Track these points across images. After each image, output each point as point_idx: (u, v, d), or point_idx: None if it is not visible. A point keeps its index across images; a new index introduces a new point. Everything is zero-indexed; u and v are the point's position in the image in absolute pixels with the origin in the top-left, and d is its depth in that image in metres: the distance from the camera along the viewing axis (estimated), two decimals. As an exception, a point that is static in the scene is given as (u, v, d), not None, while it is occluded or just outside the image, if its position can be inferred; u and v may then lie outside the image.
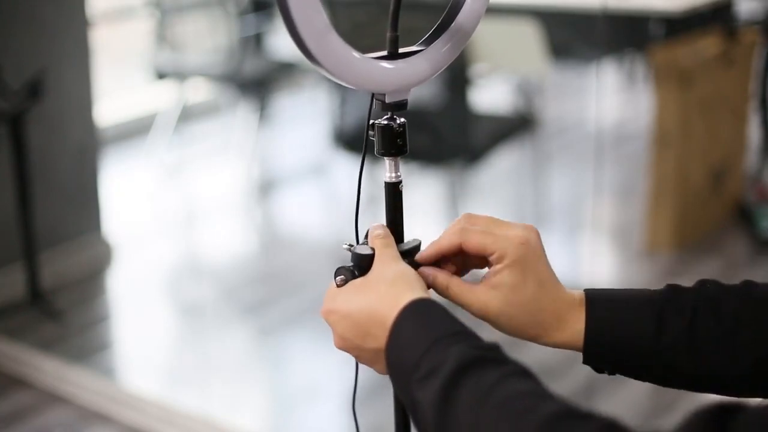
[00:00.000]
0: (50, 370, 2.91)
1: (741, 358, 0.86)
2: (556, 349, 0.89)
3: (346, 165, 4.11)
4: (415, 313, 0.79)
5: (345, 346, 0.86)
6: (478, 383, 0.72)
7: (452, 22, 0.88)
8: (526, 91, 4.15)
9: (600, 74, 4.85)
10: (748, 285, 0.88)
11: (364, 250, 0.87)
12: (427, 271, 0.88)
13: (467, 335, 0.77)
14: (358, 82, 0.82)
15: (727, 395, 0.88)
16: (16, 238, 3.16)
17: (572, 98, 5.28)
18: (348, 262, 0.88)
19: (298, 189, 4.48)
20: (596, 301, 0.87)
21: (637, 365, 0.88)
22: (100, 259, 3.59)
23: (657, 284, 0.89)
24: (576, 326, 0.87)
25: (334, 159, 4.34)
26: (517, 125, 3.81)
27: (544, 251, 0.87)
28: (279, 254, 3.78)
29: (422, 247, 0.90)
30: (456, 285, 0.87)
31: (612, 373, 0.89)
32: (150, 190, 4.46)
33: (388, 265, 0.85)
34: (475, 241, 0.86)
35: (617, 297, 0.88)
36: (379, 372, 0.84)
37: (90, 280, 3.51)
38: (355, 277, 0.86)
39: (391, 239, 0.88)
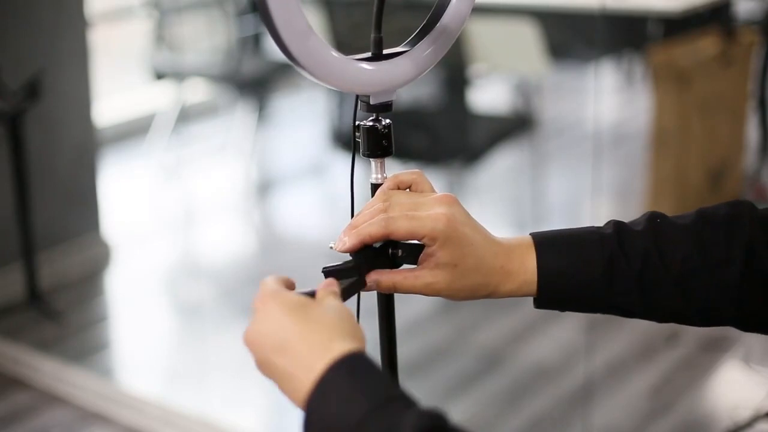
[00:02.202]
0: (49, 371, 2.91)
1: (692, 301, 0.87)
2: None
3: (345, 165, 4.10)
4: (350, 371, 0.73)
5: (254, 346, 0.78)
6: None
7: (437, 24, 0.88)
8: (525, 91, 4.15)
9: (598, 74, 4.86)
10: (699, 218, 0.89)
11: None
12: (371, 277, 0.87)
13: (408, 400, 0.72)
14: (340, 83, 0.82)
15: (685, 324, 0.91)
16: (15, 238, 3.17)
17: (570, 98, 5.27)
18: (332, 262, 0.88)
19: (296, 189, 4.48)
20: (544, 247, 0.88)
21: (590, 307, 0.89)
22: (98, 260, 3.59)
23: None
24: (523, 276, 0.88)
25: (332, 159, 4.34)
26: (516, 125, 3.81)
27: (468, 215, 0.88)
28: (277, 254, 3.79)
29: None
30: (401, 280, 0.87)
31: (563, 311, 0.91)
32: (148, 190, 4.46)
33: (330, 301, 0.79)
34: (403, 230, 0.85)
35: (565, 242, 0.88)
36: (289, 398, 0.77)
37: (88, 280, 3.51)
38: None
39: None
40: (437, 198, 0.87)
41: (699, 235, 0.87)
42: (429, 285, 0.87)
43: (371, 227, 0.85)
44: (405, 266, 0.89)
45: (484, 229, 0.88)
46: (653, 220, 0.89)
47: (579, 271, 0.87)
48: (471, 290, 0.87)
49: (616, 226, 0.89)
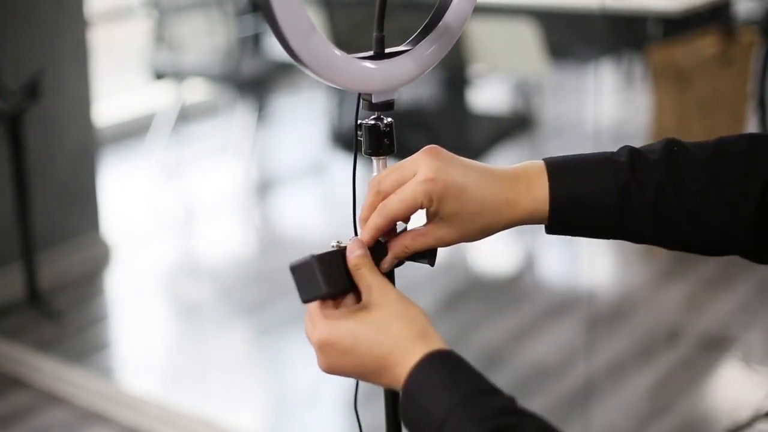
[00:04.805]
0: (49, 371, 2.91)
1: (704, 233, 0.87)
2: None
3: (344, 165, 4.10)
4: (437, 367, 0.77)
5: (335, 372, 0.83)
6: None
7: (439, 22, 0.88)
8: (525, 91, 4.15)
9: (598, 74, 4.85)
10: (717, 151, 0.88)
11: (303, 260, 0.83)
12: (386, 260, 0.87)
13: (494, 391, 0.76)
14: (342, 82, 0.82)
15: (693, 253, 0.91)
16: (15, 238, 3.17)
17: (570, 98, 5.27)
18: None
19: (296, 189, 4.49)
20: (557, 173, 0.87)
21: (600, 234, 0.89)
22: (98, 259, 3.59)
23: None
24: (532, 204, 0.86)
25: (332, 159, 4.34)
26: (516, 125, 3.81)
27: (453, 161, 0.86)
28: (277, 254, 3.78)
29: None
30: (410, 242, 0.87)
31: (574, 236, 0.90)
32: (148, 190, 4.46)
33: (392, 301, 0.82)
34: (400, 212, 0.85)
35: (578, 168, 0.87)
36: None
37: (88, 280, 3.51)
38: (326, 295, 0.82)
39: (371, 261, 0.85)
40: (418, 158, 0.85)
41: (716, 170, 0.87)
42: (440, 239, 0.86)
43: (373, 221, 0.85)
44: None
45: (479, 165, 0.87)
46: (670, 148, 0.88)
47: (592, 198, 0.86)
48: (483, 230, 0.87)
49: (631, 153, 0.87)
